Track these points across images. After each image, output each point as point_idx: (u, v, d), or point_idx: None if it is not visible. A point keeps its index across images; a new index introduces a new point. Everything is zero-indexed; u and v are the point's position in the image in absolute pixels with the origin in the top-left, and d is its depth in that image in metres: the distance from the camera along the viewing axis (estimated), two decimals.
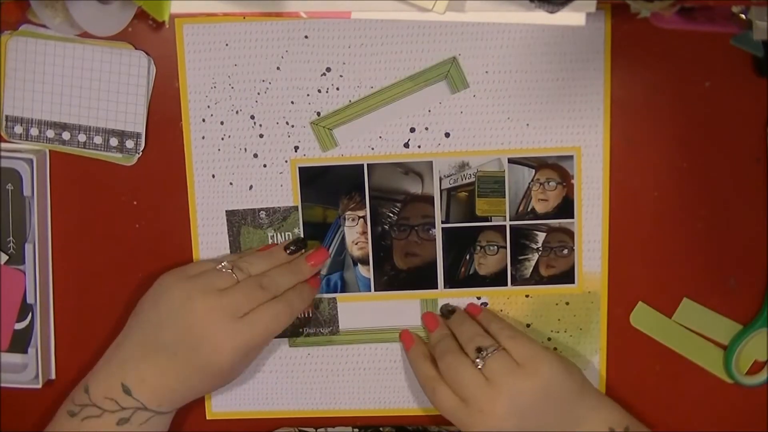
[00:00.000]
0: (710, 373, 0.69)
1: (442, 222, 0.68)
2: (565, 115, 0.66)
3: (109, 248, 0.69)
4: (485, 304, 0.69)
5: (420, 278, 0.69)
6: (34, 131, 0.67)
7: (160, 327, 0.62)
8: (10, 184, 0.67)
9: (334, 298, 0.69)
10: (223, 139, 0.67)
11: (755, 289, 0.68)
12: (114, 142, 0.67)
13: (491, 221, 0.68)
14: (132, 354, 0.62)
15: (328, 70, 0.66)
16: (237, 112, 0.67)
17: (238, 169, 0.68)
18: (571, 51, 0.65)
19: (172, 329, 0.62)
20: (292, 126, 0.67)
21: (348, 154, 0.67)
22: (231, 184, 0.68)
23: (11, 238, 0.68)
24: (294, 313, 0.65)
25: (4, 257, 0.68)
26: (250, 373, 0.70)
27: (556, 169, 0.67)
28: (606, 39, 0.65)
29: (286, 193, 0.68)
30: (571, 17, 0.63)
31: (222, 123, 0.67)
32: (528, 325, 0.69)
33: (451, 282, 0.69)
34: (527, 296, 0.69)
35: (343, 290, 0.69)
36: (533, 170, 0.67)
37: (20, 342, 0.69)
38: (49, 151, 0.68)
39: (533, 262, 0.68)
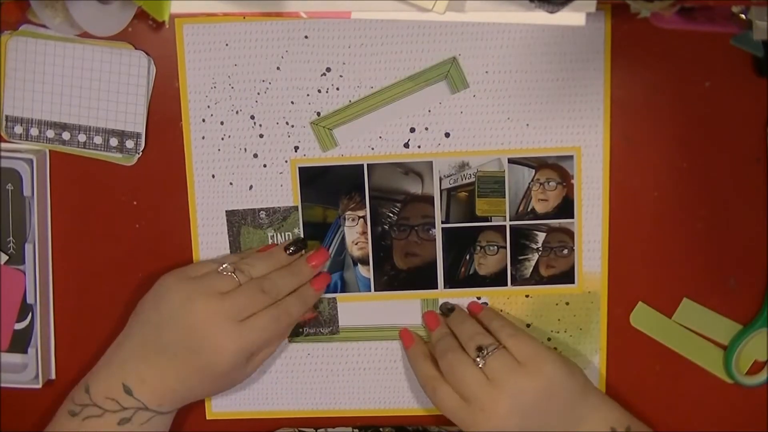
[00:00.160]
0: (710, 373, 0.69)
1: (442, 222, 0.68)
2: (565, 115, 0.66)
3: (109, 248, 0.69)
4: (485, 304, 0.69)
5: (420, 278, 0.69)
6: (34, 131, 0.67)
7: (160, 328, 0.62)
8: (10, 184, 0.67)
9: (334, 298, 0.69)
10: (223, 139, 0.67)
11: (755, 289, 0.68)
12: (114, 142, 0.67)
13: (491, 221, 0.68)
14: (133, 354, 0.62)
15: (328, 70, 0.66)
16: (237, 112, 0.67)
17: (238, 169, 0.68)
18: (571, 51, 0.65)
19: (173, 330, 0.62)
20: (292, 126, 0.67)
21: (348, 154, 0.67)
22: (231, 184, 0.68)
23: (11, 238, 0.68)
24: (294, 317, 0.65)
25: (4, 257, 0.68)
26: None
27: (556, 169, 0.67)
28: (606, 39, 0.65)
29: (286, 193, 0.68)
30: (571, 17, 0.63)
31: (222, 123, 0.67)
32: (528, 325, 0.69)
33: (451, 282, 0.69)
34: (527, 296, 0.69)
35: (343, 290, 0.69)
36: (533, 170, 0.67)
37: (20, 342, 0.69)
38: (49, 151, 0.68)
39: (533, 262, 0.68)
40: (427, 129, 0.67)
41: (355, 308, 0.69)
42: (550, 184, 0.67)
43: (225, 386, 0.65)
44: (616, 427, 0.63)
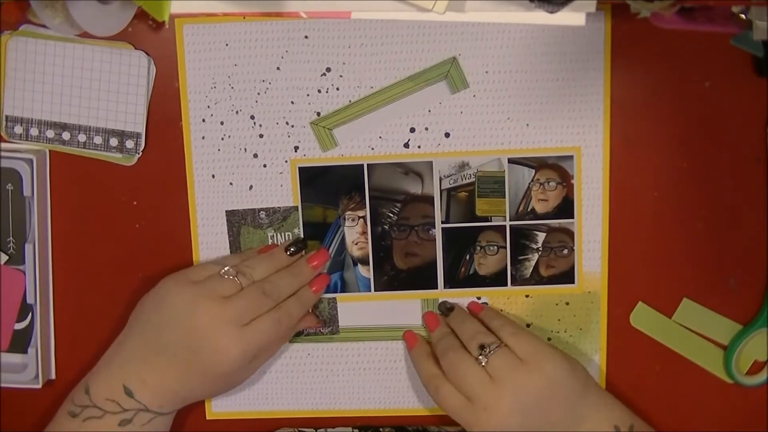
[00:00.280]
0: (710, 373, 0.69)
1: (442, 222, 0.68)
2: (565, 115, 0.66)
3: (109, 248, 0.69)
4: (485, 304, 0.69)
5: (420, 278, 0.69)
6: (34, 131, 0.67)
7: (161, 329, 0.62)
8: (10, 184, 0.67)
9: (334, 298, 0.69)
10: (223, 139, 0.67)
11: (755, 289, 0.68)
12: (114, 142, 0.67)
13: (491, 221, 0.68)
14: (133, 355, 0.62)
15: (328, 70, 0.66)
16: (237, 112, 0.67)
17: (238, 169, 0.68)
18: (571, 51, 0.65)
19: (174, 332, 0.62)
20: (292, 126, 0.67)
21: (348, 154, 0.67)
22: (231, 184, 0.68)
23: (11, 238, 0.68)
24: (295, 319, 0.65)
25: (4, 257, 0.68)
26: None
27: (556, 169, 0.67)
28: (606, 39, 0.65)
29: (286, 193, 0.68)
30: (571, 17, 0.63)
31: (222, 123, 0.67)
32: (528, 325, 0.69)
33: (451, 282, 0.69)
34: (527, 296, 0.69)
35: (343, 290, 0.69)
36: (533, 170, 0.67)
37: (20, 342, 0.69)
38: (49, 151, 0.68)
39: (533, 262, 0.68)
40: (427, 129, 0.67)
41: (355, 308, 0.69)
42: (550, 184, 0.67)
43: (226, 388, 0.65)
44: (620, 426, 0.63)
